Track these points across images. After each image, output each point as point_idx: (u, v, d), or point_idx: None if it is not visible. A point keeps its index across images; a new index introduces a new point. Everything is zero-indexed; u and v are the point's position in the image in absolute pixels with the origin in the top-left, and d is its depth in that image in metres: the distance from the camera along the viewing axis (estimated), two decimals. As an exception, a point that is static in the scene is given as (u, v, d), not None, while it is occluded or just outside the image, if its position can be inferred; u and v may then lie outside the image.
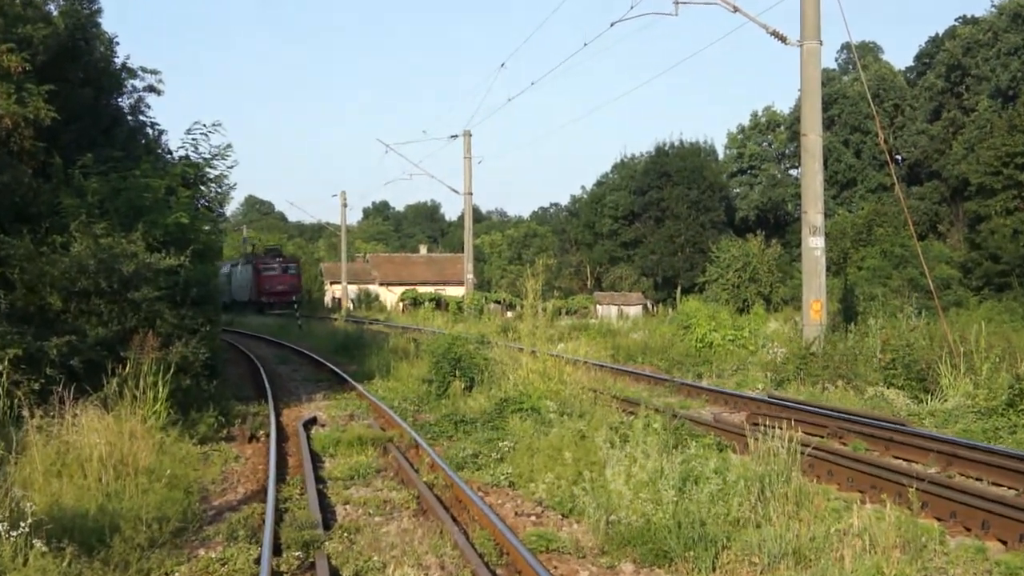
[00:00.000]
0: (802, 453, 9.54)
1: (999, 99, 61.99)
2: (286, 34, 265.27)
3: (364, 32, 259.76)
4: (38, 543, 7.15)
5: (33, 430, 10.00)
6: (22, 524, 7.16)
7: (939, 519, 9.10)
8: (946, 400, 15.75)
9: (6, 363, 10.98)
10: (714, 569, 7.66)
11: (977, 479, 10.72)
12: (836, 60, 77.88)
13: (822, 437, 13.14)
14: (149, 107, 21.10)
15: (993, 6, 65.56)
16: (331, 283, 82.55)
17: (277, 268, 64.11)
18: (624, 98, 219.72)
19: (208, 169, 18.24)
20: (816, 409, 14.88)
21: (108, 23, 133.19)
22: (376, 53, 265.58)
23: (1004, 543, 8.37)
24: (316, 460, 12.43)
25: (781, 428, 9.58)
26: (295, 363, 27.59)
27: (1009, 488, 10.15)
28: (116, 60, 20.28)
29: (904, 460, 11.82)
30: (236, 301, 66.16)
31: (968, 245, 56.45)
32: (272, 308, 59.40)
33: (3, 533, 7.09)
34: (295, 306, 54.59)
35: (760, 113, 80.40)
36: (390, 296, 73.56)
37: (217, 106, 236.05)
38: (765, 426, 9.92)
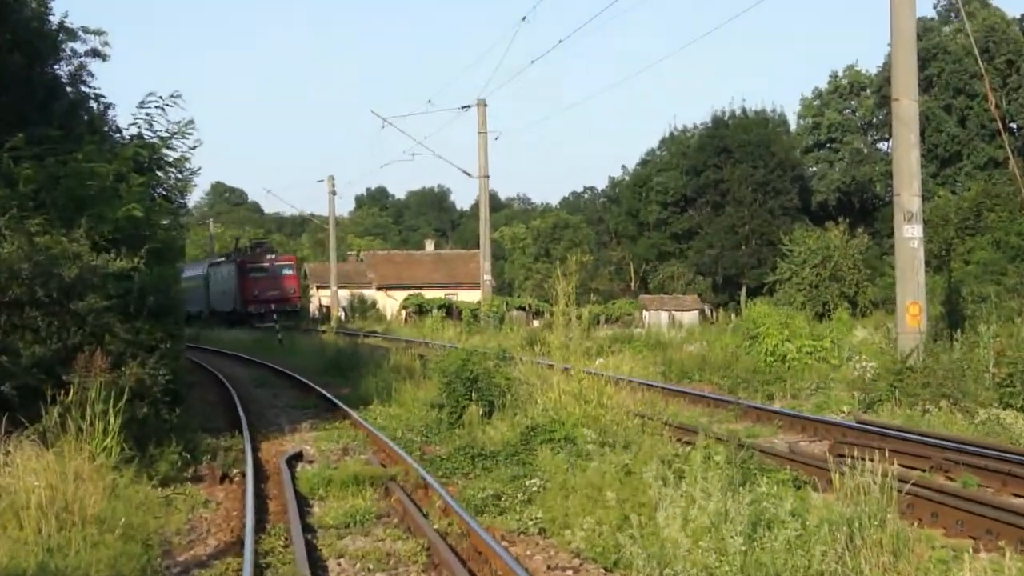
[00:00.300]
0: (899, 491, 9.49)
1: None
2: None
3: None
4: (-35, 609, 7.19)
5: (-43, 471, 10.06)
6: (-55, 586, 7.21)
7: (1072, 571, 9.00)
8: (1077, 425, 15.64)
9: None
10: (793, 635, 7.62)
11: (1118, 521, 10.62)
12: (935, 7, 77.66)
13: (924, 471, 13.06)
14: (93, 75, 21.20)
15: None
16: (318, 287, 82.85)
17: (268, 269, 63.00)
18: (673, 58, 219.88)
19: (166, 151, 18.33)
20: (915, 437, 14.83)
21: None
22: (368, 7, 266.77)
23: None
24: (303, 504, 12.45)
25: (872, 460, 9.51)
26: (275, 386, 27.72)
27: None
28: (51, 19, 20.43)
29: (1026, 498, 11.73)
30: (216, 311, 65.66)
31: (1101, 233, 55.95)
32: (263, 320, 57.16)
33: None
34: (275, 317, 53.73)
35: (841, 74, 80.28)
36: (390, 303, 73.71)
37: (175, 75, 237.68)
38: (853, 458, 9.89)
